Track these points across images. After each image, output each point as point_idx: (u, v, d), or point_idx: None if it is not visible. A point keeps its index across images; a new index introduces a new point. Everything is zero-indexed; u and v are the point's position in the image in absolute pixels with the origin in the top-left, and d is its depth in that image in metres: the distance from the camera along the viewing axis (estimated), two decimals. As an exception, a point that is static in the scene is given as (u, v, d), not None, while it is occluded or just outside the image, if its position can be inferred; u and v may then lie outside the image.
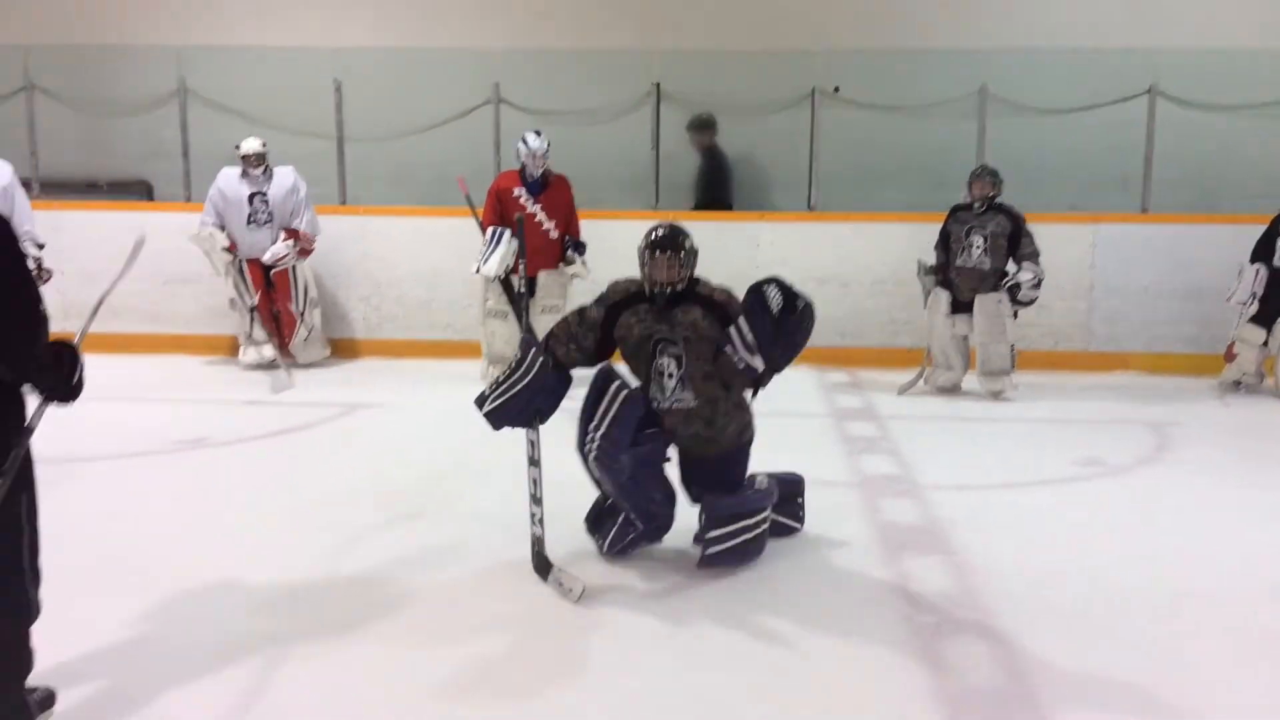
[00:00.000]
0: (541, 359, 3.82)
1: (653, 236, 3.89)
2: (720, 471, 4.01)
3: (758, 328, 3.72)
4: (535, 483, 3.91)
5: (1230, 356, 7.31)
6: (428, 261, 8.33)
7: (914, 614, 3.67)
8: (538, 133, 7.08)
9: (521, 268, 4.24)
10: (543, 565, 3.88)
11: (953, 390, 7.21)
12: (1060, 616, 3.64)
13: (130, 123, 8.76)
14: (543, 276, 7.09)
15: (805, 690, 3.10)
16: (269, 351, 7.66)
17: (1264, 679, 3.23)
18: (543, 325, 6.80)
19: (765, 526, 4.04)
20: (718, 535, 3.91)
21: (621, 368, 3.95)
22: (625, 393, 3.78)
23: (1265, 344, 7.17)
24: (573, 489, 4.16)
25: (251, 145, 7.67)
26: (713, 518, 3.92)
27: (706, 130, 8.65)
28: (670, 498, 4.08)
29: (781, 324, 3.72)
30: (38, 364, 2.64)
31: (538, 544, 3.90)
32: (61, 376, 2.70)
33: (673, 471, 4.06)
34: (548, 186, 7.08)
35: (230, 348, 8.12)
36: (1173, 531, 4.57)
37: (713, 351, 3.81)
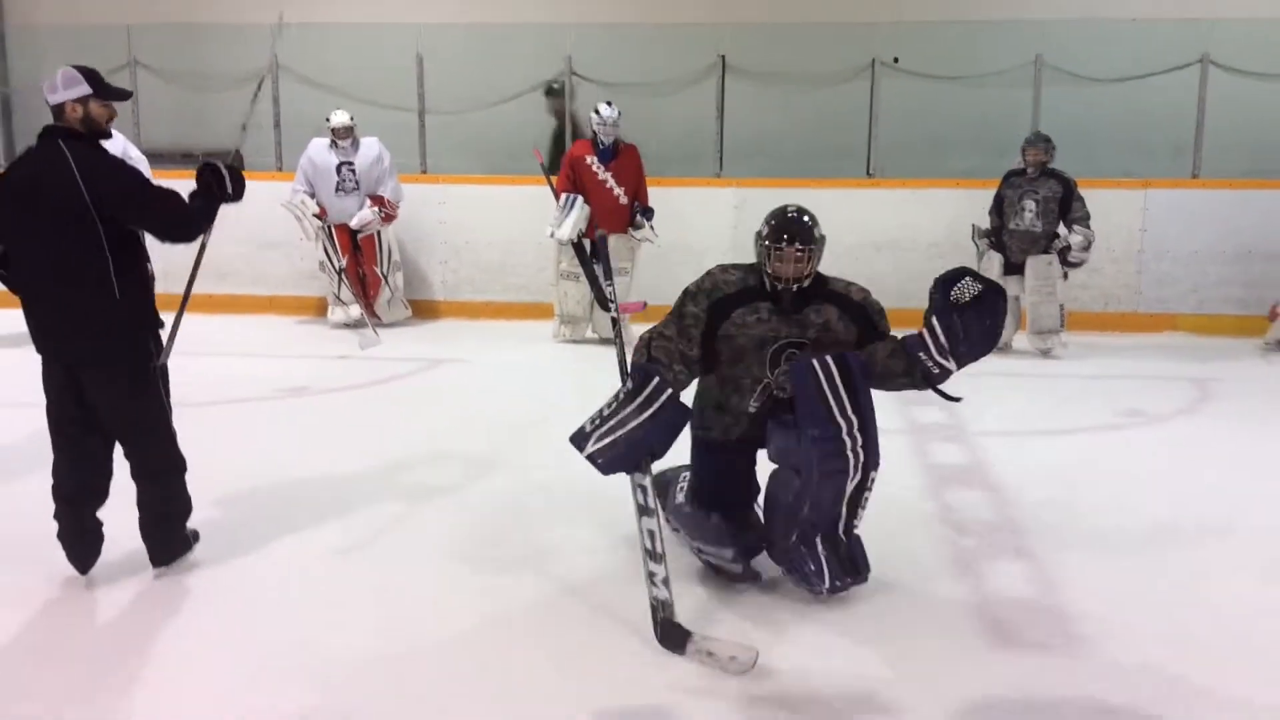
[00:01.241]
0: (670, 391, 3.14)
1: (778, 223, 3.39)
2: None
3: (951, 327, 3.20)
4: (652, 535, 3.14)
5: (1274, 316, 7.57)
6: (502, 227, 8.79)
7: (957, 539, 4.06)
8: (609, 103, 7.50)
9: (601, 256, 3.78)
10: (674, 635, 3.07)
11: (1004, 348, 7.53)
12: (1091, 544, 4.00)
13: (224, 97, 9.31)
14: (612, 240, 7.51)
15: (859, 603, 3.47)
16: (355, 311, 8.17)
17: (1276, 603, 3.58)
18: (616, 288, 7.27)
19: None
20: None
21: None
22: (715, 524, 3.49)
23: (1310, 305, 7.42)
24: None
25: (340, 118, 8.16)
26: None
27: (558, 97, 9.01)
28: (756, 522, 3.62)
29: (974, 318, 3.20)
30: (191, 215, 3.46)
31: (663, 609, 3.10)
32: (215, 196, 3.51)
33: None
34: (618, 155, 7.49)
35: (319, 308, 8.67)
36: (1204, 474, 4.91)
37: (901, 352, 3.34)
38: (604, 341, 7.57)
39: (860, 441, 3.27)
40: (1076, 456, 5.16)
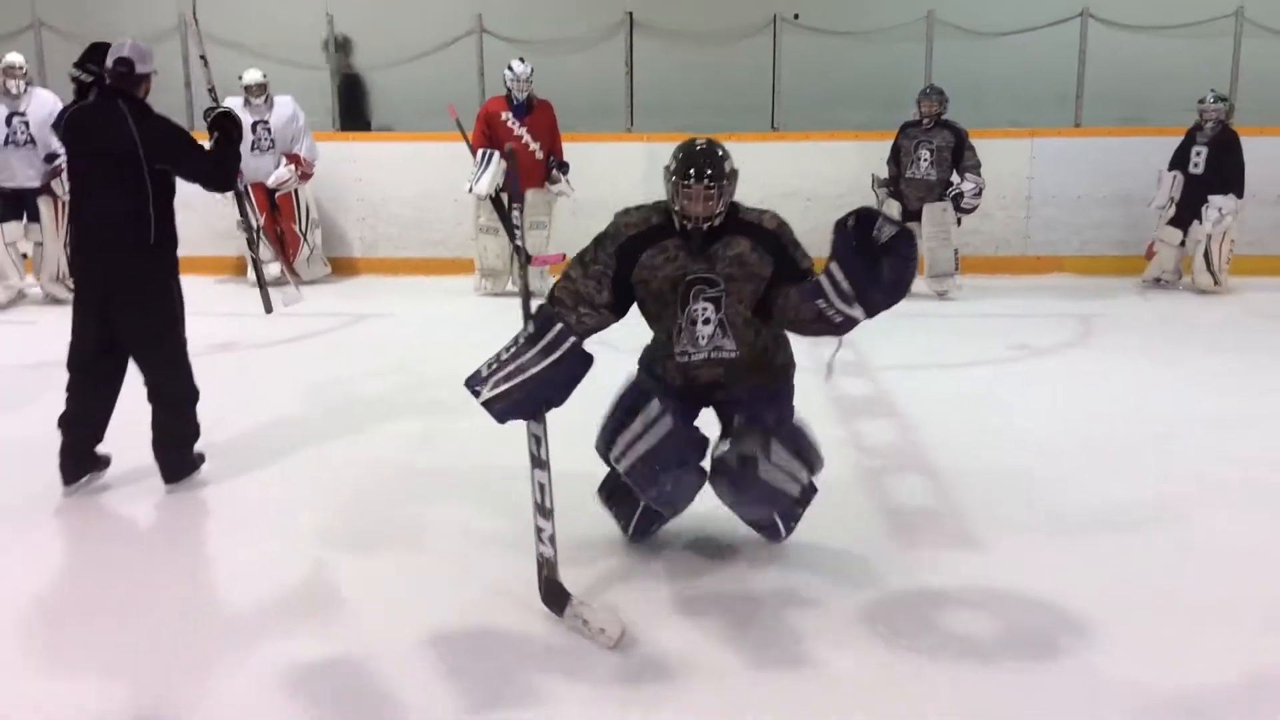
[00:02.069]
0: (572, 339, 2.99)
1: (686, 156, 3.13)
2: (766, 402, 3.33)
3: (854, 271, 2.90)
4: (542, 489, 3.03)
5: (1150, 255, 8.14)
6: (419, 184, 8.93)
7: (862, 459, 4.44)
8: (522, 60, 7.69)
9: (513, 192, 3.59)
10: (556, 595, 3.02)
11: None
12: (985, 461, 4.41)
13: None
14: (530, 195, 7.73)
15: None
16: (274, 270, 8.24)
17: (1143, 497, 4.02)
18: (531, 242, 7.52)
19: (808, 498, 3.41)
20: (777, 463, 3.22)
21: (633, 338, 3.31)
22: (666, 423, 3.16)
23: (1182, 244, 7.99)
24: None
25: (253, 76, 8.22)
26: (771, 441, 3.21)
27: (343, 52, 9.25)
28: (702, 476, 3.31)
29: (881, 260, 2.90)
30: (223, 162, 4.08)
31: (547, 567, 3.04)
32: (234, 140, 4.12)
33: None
34: (532, 110, 7.70)
35: (236, 267, 8.73)
36: (1084, 396, 5.40)
37: (758, 290, 3.18)
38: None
39: (809, 480, 3.32)
40: (971, 387, 5.59)
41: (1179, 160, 7.98)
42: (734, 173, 3.18)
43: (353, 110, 9.12)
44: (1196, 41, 8.92)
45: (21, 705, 2.63)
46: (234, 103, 8.20)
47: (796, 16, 9.10)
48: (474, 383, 3.00)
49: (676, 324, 3.22)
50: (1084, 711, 2.60)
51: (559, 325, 3.01)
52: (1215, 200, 7.74)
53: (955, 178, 7.73)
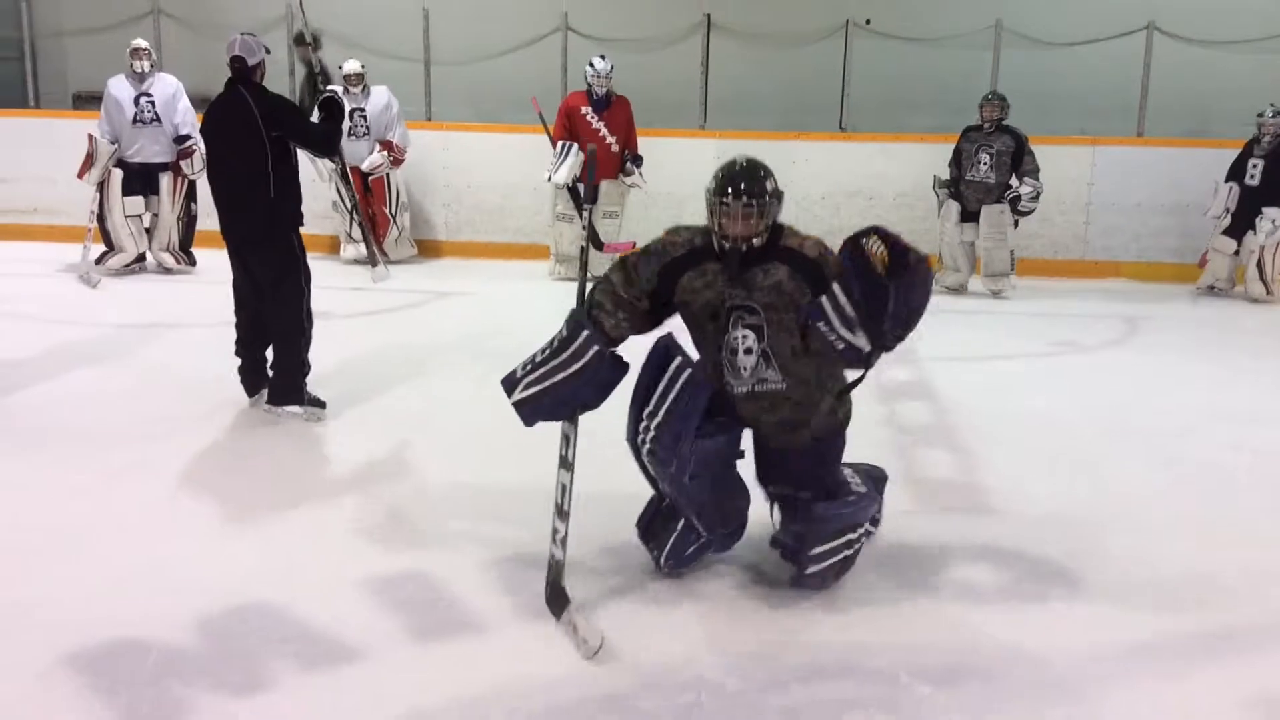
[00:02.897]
0: (596, 348, 2.99)
1: (725, 175, 3.02)
2: (813, 466, 3.19)
3: (857, 295, 2.86)
4: (564, 490, 3.07)
5: (1203, 263, 8.36)
6: (501, 173, 9.43)
7: (896, 435, 4.82)
8: (603, 56, 8.16)
9: (588, 191, 3.95)
10: (558, 599, 3.01)
11: (959, 290, 8.29)
12: (1014, 443, 4.76)
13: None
14: (604, 185, 8.20)
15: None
16: (365, 249, 8.83)
17: (1165, 488, 4.33)
18: (603, 230, 7.99)
19: (866, 540, 3.35)
20: (820, 553, 3.13)
21: (684, 338, 3.16)
22: (689, 373, 3.00)
23: (1236, 253, 8.20)
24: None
25: (352, 66, 8.78)
26: (816, 531, 3.12)
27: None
28: (743, 496, 3.30)
29: (889, 288, 2.83)
30: (328, 133, 4.92)
31: (555, 570, 3.06)
32: (338, 118, 4.99)
33: (745, 465, 3.29)
34: (611, 105, 8.16)
35: (330, 246, 9.31)
36: (1115, 388, 5.72)
37: (801, 320, 3.01)
38: (595, 279, 8.28)
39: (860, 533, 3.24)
40: (1010, 377, 5.94)
41: (1236, 172, 8.19)
42: (777, 192, 3.03)
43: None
44: (1261, 56, 9.10)
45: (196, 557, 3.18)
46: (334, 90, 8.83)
47: (868, 22, 9.47)
48: (508, 383, 3.11)
49: (717, 351, 3.09)
50: (1062, 645, 2.98)
51: (585, 333, 3.01)
52: (1269, 212, 7.95)
53: (1014, 181, 8.02)
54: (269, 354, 4.90)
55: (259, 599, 3.10)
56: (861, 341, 2.89)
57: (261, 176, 4.62)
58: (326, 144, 5.01)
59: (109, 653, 2.80)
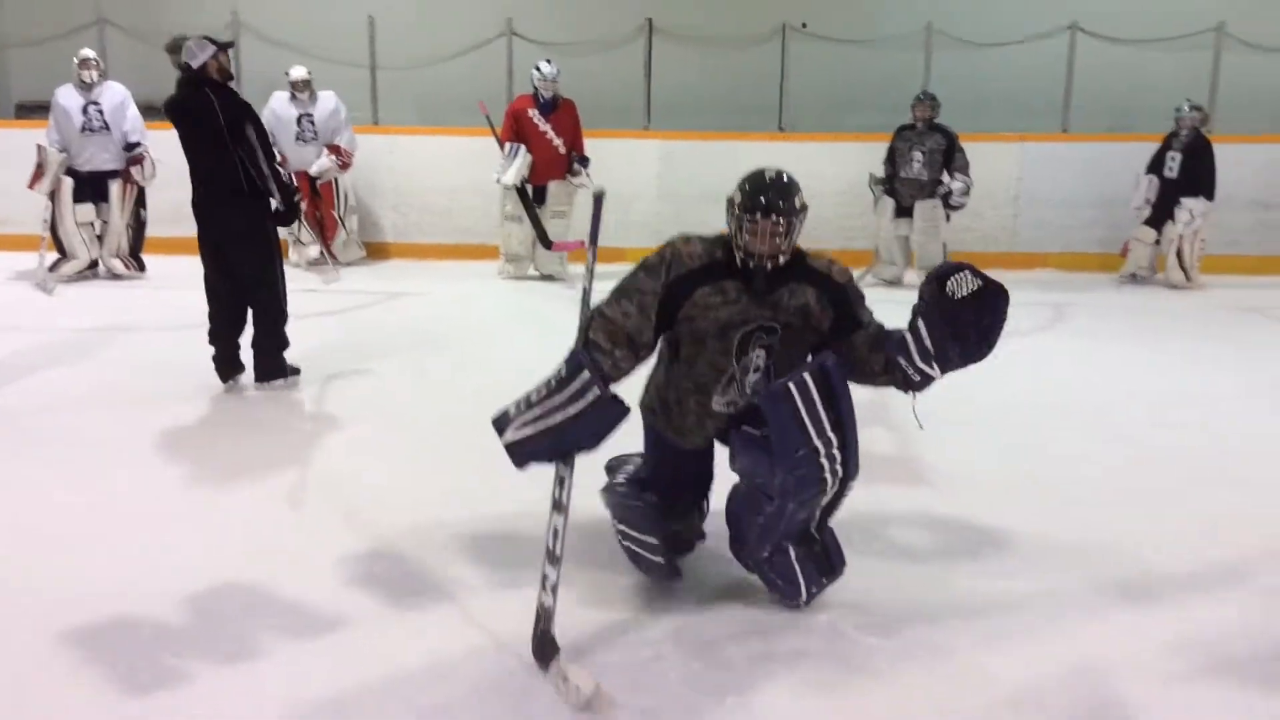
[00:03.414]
0: (597, 391, 2.78)
1: (751, 188, 2.91)
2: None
3: (938, 330, 2.84)
4: (556, 535, 2.82)
5: (1125, 253, 8.75)
6: (448, 175, 9.59)
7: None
8: (549, 61, 8.35)
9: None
10: (546, 649, 2.75)
11: (895, 282, 8.61)
12: (949, 420, 4.95)
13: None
14: (552, 186, 8.39)
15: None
16: (313, 252, 8.95)
17: (1090, 460, 4.65)
18: (553, 229, 8.18)
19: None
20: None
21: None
22: (645, 506, 3.08)
23: (1156, 243, 8.60)
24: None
25: (299, 72, 8.88)
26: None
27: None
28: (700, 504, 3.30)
29: (970, 317, 2.84)
30: (271, 174, 5.04)
31: (544, 619, 2.78)
32: (288, 197, 5.21)
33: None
34: (557, 108, 8.35)
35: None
36: (1043, 370, 6.02)
37: (812, 342, 3.02)
38: (544, 277, 8.49)
39: (840, 459, 2.91)
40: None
41: (1155, 165, 8.59)
42: (804, 208, 2.95)
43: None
44: (1179, 54, 9.54)
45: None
46: (280, 97, 8.92)
47: (805, 25, 9.77)
48: (501, 423, 2.93)
49: (725, 372, 2.99)
50: (999, 598, 3.24)
51: (585, 374, 2.80)
52: (1187, 202, 8.35)
53: (946, 177, 8.35)
54: (242, 342, 5.28)
55: (240, 577, 3.26)
56: (936, 372, 2.93)
57: (233, 174, 4.95)
58: (271, 169, 5.05)
59: (103, 630, 2.95)
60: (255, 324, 5.26)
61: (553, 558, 2.81)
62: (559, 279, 8.45)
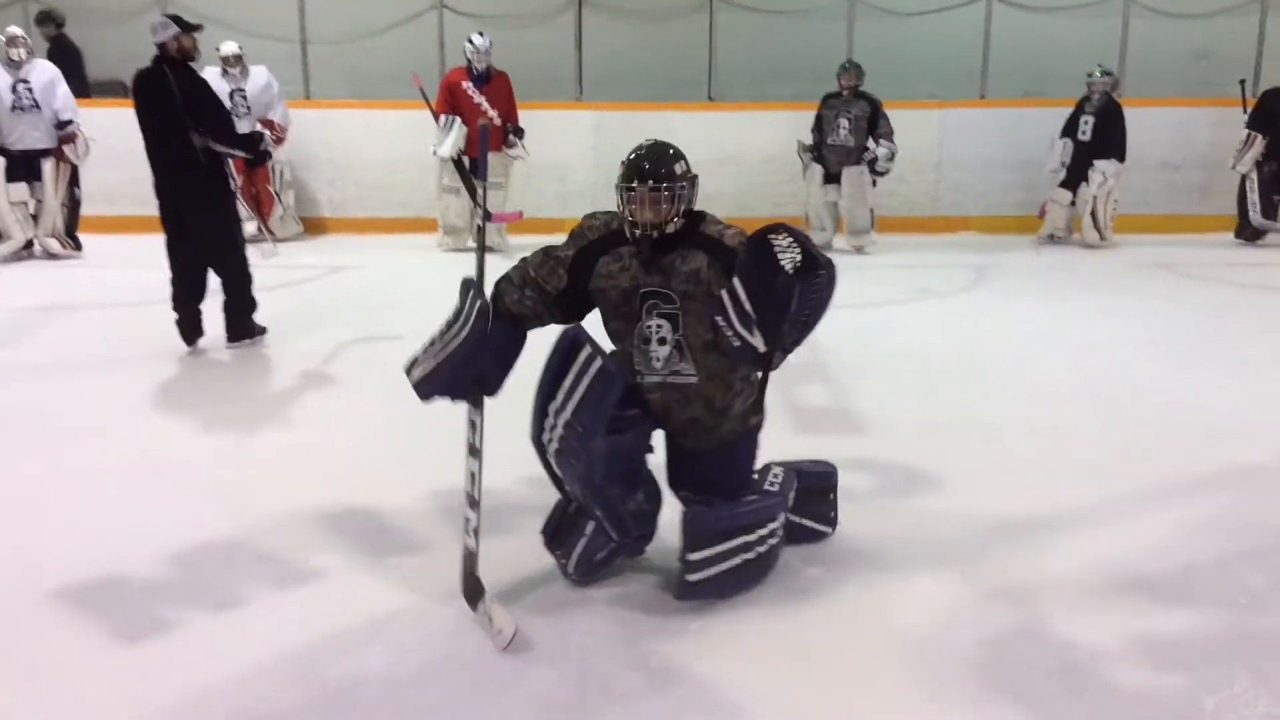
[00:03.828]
0: (480, 304, 2.84)
1: (630, 159, 2.93)
2: (722, 467, 3.06)
3: (759, 293, 2.68)
4: (473, 479, 2.89)
5: (1042, 214, 9.13)
6: (383, 148, 9.67)
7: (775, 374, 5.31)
8: (481, 33, 8.46)
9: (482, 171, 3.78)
10: (473, 590, 2.87)
11: (825, 248, 8.86)
12: (881, 375, 5.32)
13: (108, 31, 9.89)
14: (490, 158, 8.49)
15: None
16: (251, 228, 8.94)
17: (1012, 403, 4.93)
18: (491, 200, 8.24)
19: (774, 543, 3.06)
20: (700, 559, 2.91)
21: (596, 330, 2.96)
22: (598, 364, 2.78)
23: (1072, 204, 8.99)
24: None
25: (230, 48, 8.89)
26: (695, 535, 2.91)
27: (49, 23, 9.68)
28: (654, 498, 3.14)
29: (795, 287, 2.65)
30: (235, 140, 5.47)
31: (469, 561, 2.89)
32: (255, 145, 5.73)
33: (657, 462, 3.17)
34: (491, 80, 8.47)
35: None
36: (968, 325, 6.36)
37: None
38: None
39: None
40: (874, 320, 6.50)
41: (1069, 128, 8.96)
42: (689, 175, 2.93)
43: (70, 73, 9.04)
44: (1090, 21, 9.95)
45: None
46: (212, 72, 8.89)
47: (731, -4, 10.00)
48: (409, 367, 3.04)
49: (633, 343, 2.95)
50: (932, 532, 3.51)
51: (472, 294, 2.89)
52: (1100, 164, 8.73)
53: (871, 144, 8.63)
54: (203, 307, 5.58)
55: (219, 534, 3.42)
56: (758, 341, 2.71)
57: (189, 149, 5.23)
58: (231, 139, 5.45)
59: (93, 586, 3.09)
60: (224, 289, 5.58)
61: (472, 501, 2.89)
62: (498, 250, 8.58)
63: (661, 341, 2.93)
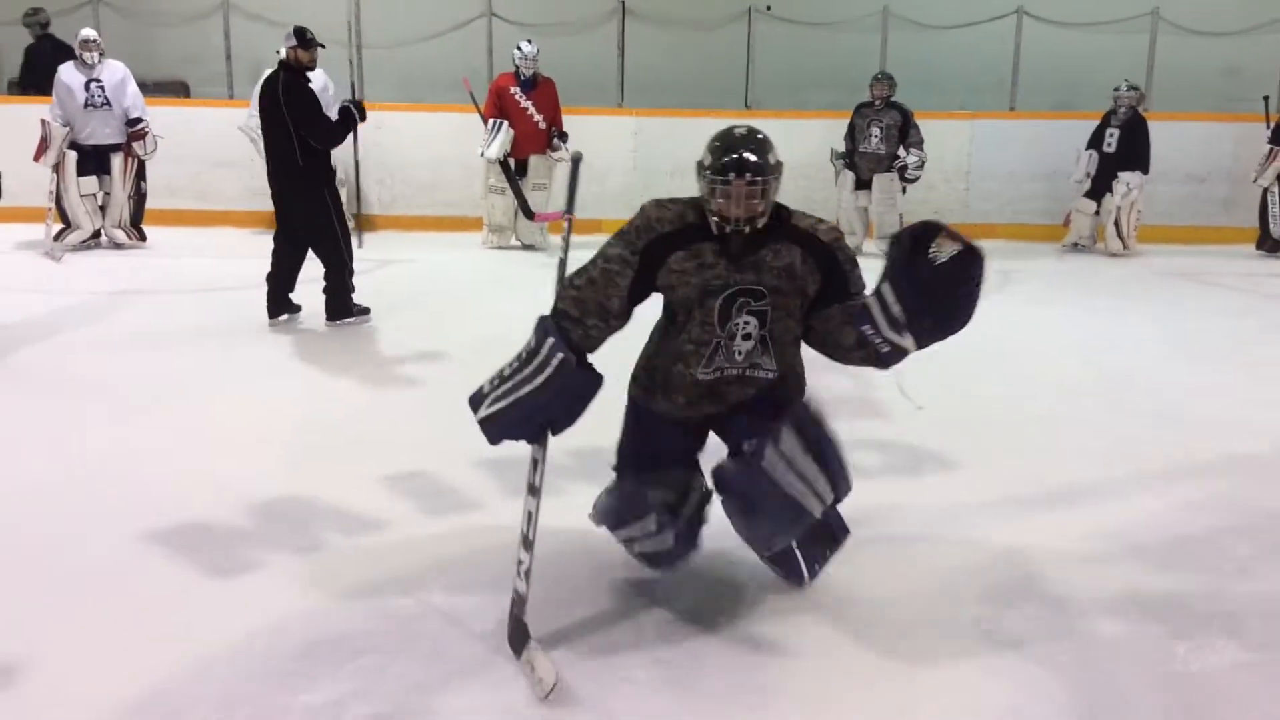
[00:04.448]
0: (561, 355, 2.65)
1: (721, 146, 2.73)
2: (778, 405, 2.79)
3: (906, 293, 2.58)
4: (529, 519, 2.75)
5: (1067, 223, 9.41)
6: (432, 150, 10.06)
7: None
8: (529, 41, 8.84)
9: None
10: (519, 636, 2.73)
11: (855, 251, 9.13)
12: (902, 368, 5.59)
13: (175, 32, 10.37)
14: (533, 160, 8.89)
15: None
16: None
17: (1025, 395, 5.25)
18: (534, 200, 8.68)
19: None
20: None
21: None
22: (627, 492, 2.90)
23: (1096, 213, 9.26)
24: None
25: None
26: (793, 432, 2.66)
27: (34, 25, 9.86)
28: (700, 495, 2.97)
29: (944, 285, 2.57)
30: (331, 131, 6.10)
31: (518, 605, 2.75)
32: (352, 117, 6.31)
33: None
34: (537, 86, 8.85)
35: (267, 222, 9.79)
36: (985, 323, 6.47)
37: (803, 306, 2.78)
38: (526, 247, 9.01)
39: (831, 496, 2.73)
40: (899, 319, 6.81)
41: (1095, 140, 9.23)
42: (779, 165, 2.77)
43: (41, 70, 9.36)
44: (1119, 37, 10.22)
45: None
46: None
47: (769, 8, 10.36)
48: (475, 400, 2.80)
49: (712, 339, 2.78)
50: (935, 502, 3.82)
51: (550, 340, 2.67)
52: (1124, 176, 9.00)
53: (901, 152, 8.94)
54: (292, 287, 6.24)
55: (295, 490, 3.80)
56: (908, 343, 2.66)
57: (289, 144, 5.86)
58: (324, 138, 6.00)
59: (183, 531, 3.47)
60: (325, 275, 6.16)
61: (526, 542, 2.73)
62: (540, 249, 8.96)
63: (747, 337, 2.77)
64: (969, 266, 2.57)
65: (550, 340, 2.67)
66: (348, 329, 6.24)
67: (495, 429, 2.78)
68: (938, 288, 2.57)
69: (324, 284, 6.17)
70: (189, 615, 2.97)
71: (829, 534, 3.01)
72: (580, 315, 2.77)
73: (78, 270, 7.85)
